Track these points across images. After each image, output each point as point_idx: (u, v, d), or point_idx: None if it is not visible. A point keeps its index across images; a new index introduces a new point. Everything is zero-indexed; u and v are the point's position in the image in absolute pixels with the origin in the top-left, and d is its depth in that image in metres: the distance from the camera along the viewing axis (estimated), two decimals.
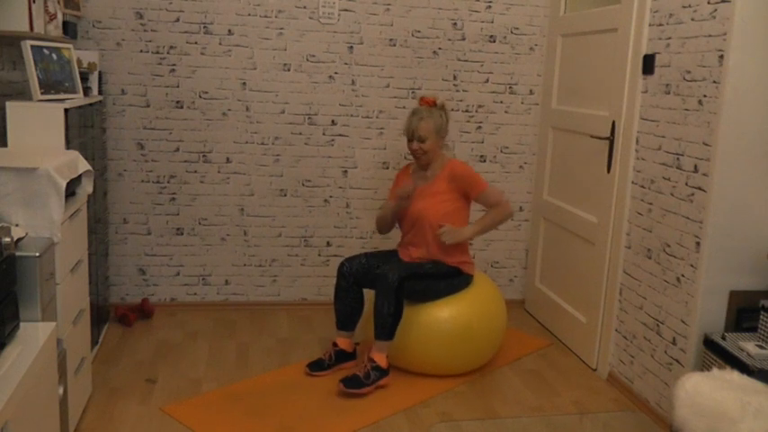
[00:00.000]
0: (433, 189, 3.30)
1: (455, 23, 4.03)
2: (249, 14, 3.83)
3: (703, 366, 2.64)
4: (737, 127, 2.59)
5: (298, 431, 2.78)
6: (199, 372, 3.28)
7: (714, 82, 2.64)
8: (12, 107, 2.69)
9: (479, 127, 4.16)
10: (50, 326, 2.07)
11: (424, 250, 3.32)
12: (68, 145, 2.79)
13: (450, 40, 4.04)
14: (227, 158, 3.94)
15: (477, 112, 4.15)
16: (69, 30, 3.30)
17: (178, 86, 3.83)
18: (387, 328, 3.11)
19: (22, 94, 3.09)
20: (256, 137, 3.95)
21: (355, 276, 3.31)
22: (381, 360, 3.15)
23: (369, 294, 3.41)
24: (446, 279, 3.25)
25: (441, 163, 3.34)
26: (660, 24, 3.01)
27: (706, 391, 2.06)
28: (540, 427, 2.91)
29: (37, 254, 2.13)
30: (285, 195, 4.03)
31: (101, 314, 3.55)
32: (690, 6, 2.80)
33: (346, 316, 3.34)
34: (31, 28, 2.74)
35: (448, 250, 3.29)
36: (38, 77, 2.75)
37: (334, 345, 3.34)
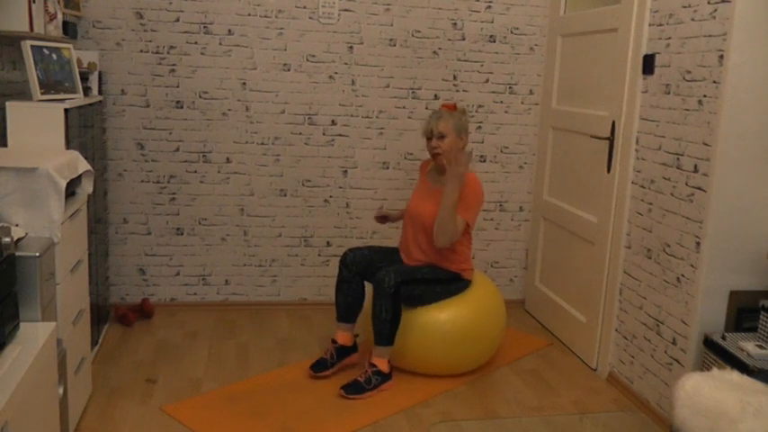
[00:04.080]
0: (440, 196, 3.26)
1: (455, 23, 4.03)
2: (249, 14, 3.83)
3: (703, 366, 2.64)
4: (737, 127, 2.59)
5: (298, 431, 2.78)
6: (199, 372, 3.28)
7: (714, 82, 2.64)
8: (12, 107, 2.69)
9: (479, 127, 4.16)
10: (50, 326, 2.07)
11: (422, 252, 3.30)
12: (68, 145, 2.79)
13: (450, 40, 4.04)
14: (227, 158, 3.94)
15: (477, 112, 4.15)
16: (69, 30, 3.30)
17: (178, 86, 3.83)
18: (385, 333, 3.10)
19: (22, 94, 3.09)
20: (256, 137, 3.95)
21: (358, 266, 3.29)
22: (383, 365, 3.14)
23: (369, 288, 3.40)
24: (443, 284, 3.23)
25: None
26: (660, 24, 3.01)
27: (706, 391, 2.06)
28: (540, 427, 2.91)
29: (37, 254, 2.13)
30: (285, 195, 4.03)
31: (101, 314, 3.55)
32: (690, 6, 2.80)
33: (347, 308, 3.31)
34: (31, 28, 2.74)
35: (445, 254, 3.26)
36: (38, 77, 2.75)
37: (333, 342, 3.32)
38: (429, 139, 3.23)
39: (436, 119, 3.21)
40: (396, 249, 3.45)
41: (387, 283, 3.06)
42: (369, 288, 3.40)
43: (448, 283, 3.24)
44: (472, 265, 3.37)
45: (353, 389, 3.06)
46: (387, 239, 4.16)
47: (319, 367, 3.25)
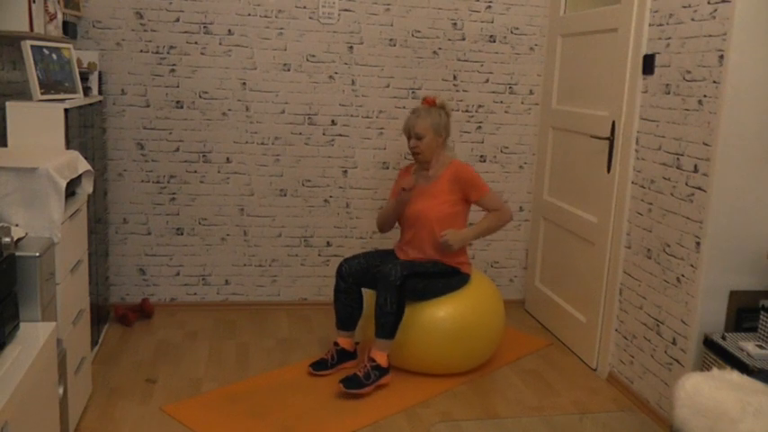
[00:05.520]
0: (435, 190, 3.30)
1: (455, 23, 4.03)
2: (249, 14, 3.83)
3: (703, 366, 2.64)
4: (737, 127, 2.59)
5: (298, 431, 2.78)
6: (199, 372, 3.28)
7: (714, 82, 2.64)
8: (12, 107, 2.69)
9: (479, 127, 4.16)
10: (50, 326, 2.07)
11: (421, 252, 3.32)
12: (68, 145, 2.79)
13: (450, 40, 4.04)
14: (228, 158, 3.94)
15: (477, 112, 4.15)
16: (69, 30, 3.30)
17: (178, 86, 3.83)
18: (388, 326, 3.11)
19: (22, 94, 3.09)
20: (256, 137, 3.95)
21: (354, 277, 3.31)
22: (382, 359, 3.15)
23: (368, 294, 3.41)
24: (444, 278, 3.26)
25: (443, 163, 3.34)
26: (660, 24, 3.01)
27: (706, 391, 2.06)
28: (540, 427, 2.91)
29: (37, 254, 2.13)
30: (285, 195, 4.03)
31: (101, 314, 3.55)
32: (690, 6, 2.80)
33: (346, 316, 3.34)
34: (31, 28, 2.74)
35: (445, 252, 3.29)
36: (38, 77, 2.75)
37: (336, 344, 3.34)
38: (409, 138, 3.31)
39: (414, 118, 3.29)
40: (391, 251, 3.46)
41: (393, 275, 3.08)
42: (366, 295, 3.41)
43: (449, 277, 3.27)
44: (469, 259, 3.41)
45: (352, 383, 3.06)
46: (387, 240, 4.15)
47: (319, 367, 3.27)
